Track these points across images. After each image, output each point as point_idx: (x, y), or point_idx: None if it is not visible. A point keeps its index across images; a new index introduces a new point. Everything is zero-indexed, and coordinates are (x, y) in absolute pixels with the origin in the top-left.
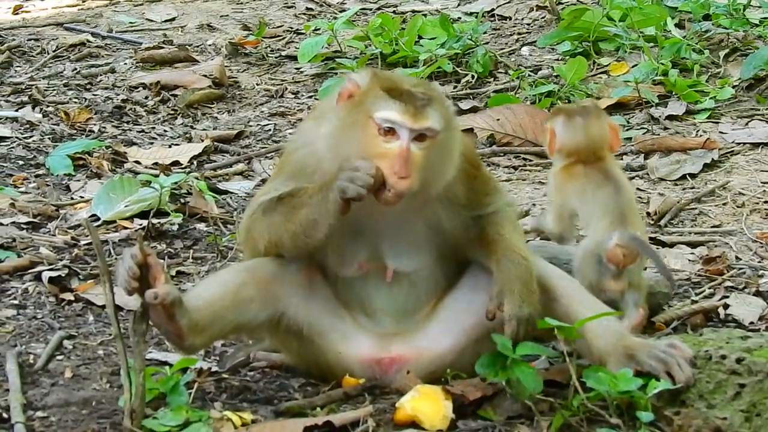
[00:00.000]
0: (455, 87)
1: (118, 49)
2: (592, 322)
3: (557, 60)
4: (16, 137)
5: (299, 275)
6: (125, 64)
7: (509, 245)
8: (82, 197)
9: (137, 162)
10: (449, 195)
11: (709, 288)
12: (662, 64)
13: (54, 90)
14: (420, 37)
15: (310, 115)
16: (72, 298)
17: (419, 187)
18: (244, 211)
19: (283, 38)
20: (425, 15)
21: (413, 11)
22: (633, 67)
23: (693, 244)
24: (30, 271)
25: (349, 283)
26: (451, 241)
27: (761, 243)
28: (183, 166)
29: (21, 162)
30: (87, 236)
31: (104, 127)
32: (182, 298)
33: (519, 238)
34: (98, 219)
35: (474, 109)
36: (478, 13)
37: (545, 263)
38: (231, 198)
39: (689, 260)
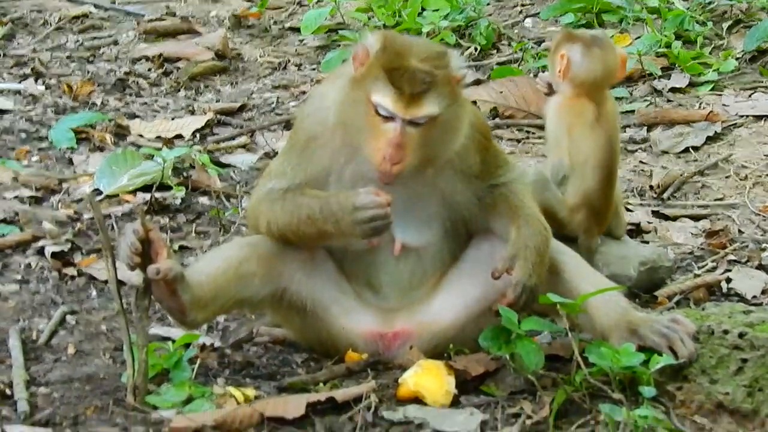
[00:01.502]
0: None
1: (120, 21)
2: (594, 297)
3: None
4: (19, 110)
5: (302, 250)
6: (128, 36)
7: (532, 213)
8: (85, 171)
9: (140, 135)
10: (462, 166)
11: (712, 261)
12: (665, 36)
13: (57, 62)
14: (423, 9)
15: (326, 80)
16: (75, 273)
17: (420, 163)
18: (252, 189)
19: (286, 10)
20: None
21: None
22: (636, 39)
23: (696, 218)
24: (33, 245)
25: (356, 257)
26: (462, 214)
27: (764, 216)
28: (186, 139)
29: (24, 135)
30: (90, 210)
31: (107, 100)
32: (184, 273)
33: (538, 209)
34: (101, 193)
35: (477, 82)
36: None
37: None
38: (234, 171)
39: (692, 234)
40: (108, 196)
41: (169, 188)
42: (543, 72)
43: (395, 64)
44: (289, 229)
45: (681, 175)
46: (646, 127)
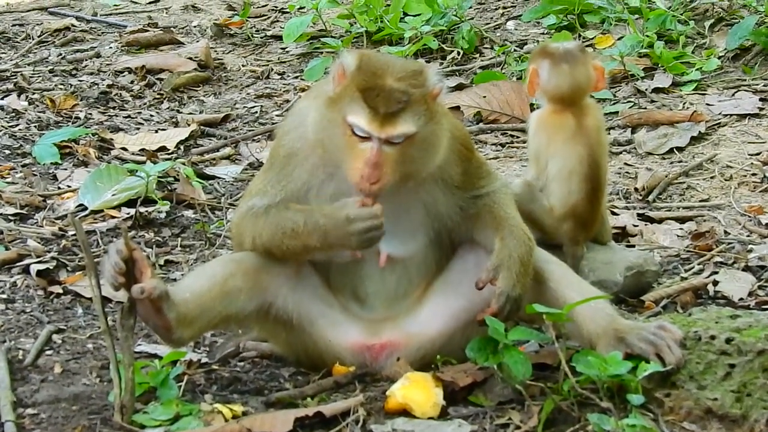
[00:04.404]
0: (441, 64)
1: (102, 32)
2: (581, 306)
3: (543, 34)
4: (2, 126)
5: (287, 264)
6: (110, 48)
7: (516, 224)
8: (69, 186)
9: (124, 149)
10: (444, 176)
11: (699, 264)
12: (647, 36)
13: (39, 76)
14: (405, 14)
15: (306, 95)
16: (60, 291)
17: (400, 179)
18: (237, 202)
19: (268, 17)
20: None
21: None
22: (618, 39)
23: (681, 219)
24: (18, 264)
25: (341, 270)
26: (446, 224)
27: (750, 216)
28: (170, 151)
29: (7, 151)
30: (74, 228)
31: (90, 114)
32: (169, 291)
33: (521, 219)
34: (85, 209)
35: (460, 87)
36: None
37: None
38: (218, 183)
39: (678, 236)
40: (92, 212)
41: (153, 202)
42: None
43: (370, 84)
44: (273, 243)
45: (666, 177)
46: (630, 129)
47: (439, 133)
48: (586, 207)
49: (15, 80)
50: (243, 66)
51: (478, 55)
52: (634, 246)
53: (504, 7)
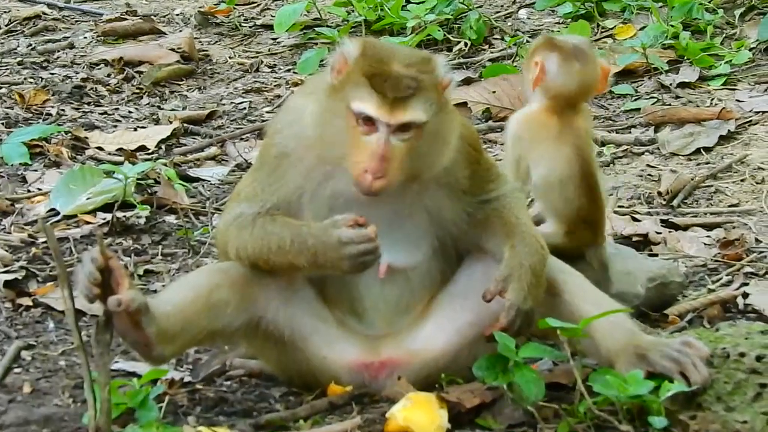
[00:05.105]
0: (447, 56)
1: (77, 21)
2: (599, 320)
3: (558, 23)
4: None
5: (278, 275)
6: (85, 38)
7: (528, 230)
8: (39, 189)
9: (99, 148)
10: (450, 180)
11: (727, 275)
12: (672, 26)
13: (7, 69)
14: (407, 2)
15: (300, 90)
16: (30, 303)
17: (407, 177)
18: (223, 207)
19: (258, 5)
20: None
21: None
22: (640, 29)
23: (709, 226)
24: None
25: (337, 281)
26: (451, 232)
27: None
28: (150, 151)
29: None
30: (45, 235)
31: (63, 110)
32: (149, 303)
33: (533, 225)
34: (58, 214)
35: (467, 81)
36: None
37: None
38: (203, 186)
39: (705, 244)
40: (65, 217)
41: (132, 207)
42: None
43: (377, 70)
44: (259, 257)
45: (692, 180)
46: (652, 127)
47: (450, 127)
48: (592, 208)
49: None
50: (230, 58)
51: (487, 47)
52: (656, 255)
53: None
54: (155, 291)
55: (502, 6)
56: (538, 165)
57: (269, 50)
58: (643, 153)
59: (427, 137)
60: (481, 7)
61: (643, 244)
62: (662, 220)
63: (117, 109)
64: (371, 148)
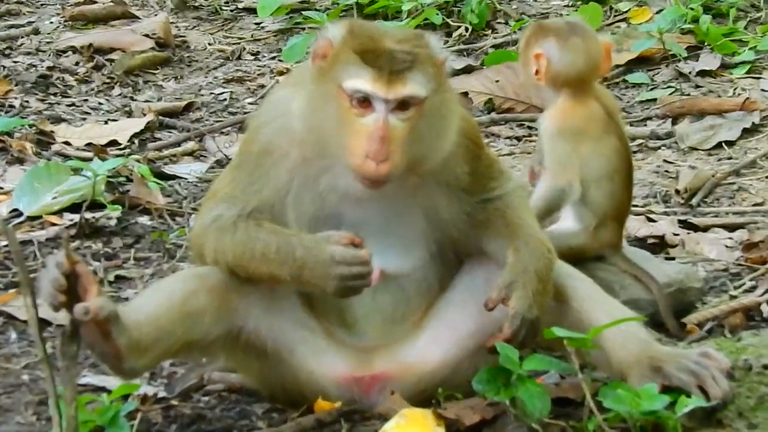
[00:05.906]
0: (446, 42)
1: (42, 4)
2: (610, 330)
3: (567, 6)
4: None
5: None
6: (51, 23)
7: (533, 232)
8: (1, 188)
9: (67, 143)
10: (448, 178)
11: (750, 280)
12: (692, 8)
13: None
14: None
15: (285, 80)
16: None
17: (407, 165)
18: (197, 211)
19: None
20: None
21: None
22: (657, 13)
23: (731, 227)
24: None
25: None
26: (450, 234)
27: None
28: (122, 146)
29: None
30: (6, 238)
31: (27, 101)
32: (119, 312)
33: (539, 228)
34: (21, 214)
35: (468, 69)
36: None
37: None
38: (180, 184)
39: (727, 246)
40: (29, 218)
41: (102, 207)
42: None
43: (368, 46)
44: (238, 264)
45: (712, 177)
46: (670, 120)
47: (450, 108)
48: (627, 202)
49: None
50: (209, 45)
51: (489, 32)
52: (674, 258)
53: None
54: (127, 298)
55: None
56: (588, 159)
57: (252, 36)
58: (659, 147)
59: (427, 118)
60: None
61: (659, 246)
62: (680, 221)
63: (86, 100)
64: (369, 130)
